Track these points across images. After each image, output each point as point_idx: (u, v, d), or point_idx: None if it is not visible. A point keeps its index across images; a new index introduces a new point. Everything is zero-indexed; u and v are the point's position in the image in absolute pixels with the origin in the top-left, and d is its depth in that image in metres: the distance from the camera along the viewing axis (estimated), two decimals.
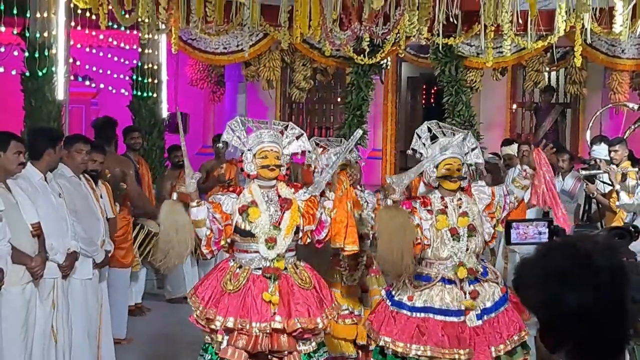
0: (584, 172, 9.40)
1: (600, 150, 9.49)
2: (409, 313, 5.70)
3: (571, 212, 10.03)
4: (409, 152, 6.01)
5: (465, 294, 5.67)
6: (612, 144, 9.32)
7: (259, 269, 5.58)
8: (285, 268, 5.62)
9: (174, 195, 5.63)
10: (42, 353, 6.16)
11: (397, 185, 5.56)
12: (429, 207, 5.79)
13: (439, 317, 5.64)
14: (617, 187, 8.74)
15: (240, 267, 5.61)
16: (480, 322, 5.65)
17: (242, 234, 5.59)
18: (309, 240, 5.73)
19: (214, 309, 5.49)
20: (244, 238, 5.60)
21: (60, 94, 8.99)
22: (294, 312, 5.51)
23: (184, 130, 5.85)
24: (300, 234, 5.69)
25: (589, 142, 10.59)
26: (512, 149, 11.46)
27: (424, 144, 5.89)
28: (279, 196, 5.67)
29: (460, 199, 5.83)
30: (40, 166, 6.37)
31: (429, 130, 5.93)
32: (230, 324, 5.44)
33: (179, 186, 5.70)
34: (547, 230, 3.81)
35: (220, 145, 9.37)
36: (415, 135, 5.94)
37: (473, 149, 5.96)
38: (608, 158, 9.27)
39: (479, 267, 5.77)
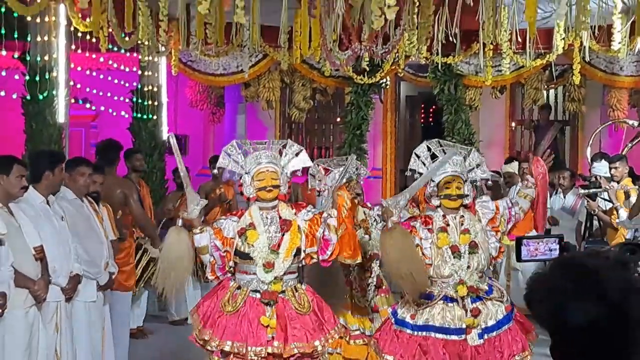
0: (583, 191, 9.41)
1: (601, 168, 9.52)
2: (411, 332, 5.70)
3: (572, 229, 10.06)
4: (408, 173, 5.97)
5: (466, 311, 5.64)
6: (612, 161, 9.35)
7: (257, 291, 5.55)
8: (283, 291, 5.57)
9: (179, 222, 5.59)
10: None
11: (394, 207, 5.55)
12: (430, 226, 5.78)
13: (439, 336, 5.63)
14: (617, 204, 8.75)
15: (239, 287, 5.60)
16: (481, 340, 5.62)
17: (241, 256, 5.57)
18: (314, 260, 5.67)
19: (210, 330, 5.50)
20: (243, 260, 5.57)
21: (61, 117, 9.00)
22: (291, 336, 5.47)
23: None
24: (303, 255, 5.62)
25: (589, 159, 10.61)
26: (513, 167, 11.47)
27: (424, 163, 5.87)
28: (280, 217, 5.63)
29: (463, 216, 5.80)
30: (40, 189, 6.37)
31: (429, 149, 5.92)
32: (226, 348, 5.44)
33: (181, 211, 5.68)
34: (557, 246, 3.82)
35: (215, 172, 9.31)
36: (414, 155, 5.93)
37: (478, 165, 5.93)
38: (608, 175, 9.29)
39: (482, 285, 5.73)
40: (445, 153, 5.85)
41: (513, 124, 16.38)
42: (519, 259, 3.93)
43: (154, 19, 9.69)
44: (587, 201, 9.29)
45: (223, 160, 5.67)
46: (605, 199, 9.22)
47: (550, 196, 10.93)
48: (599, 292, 2.23)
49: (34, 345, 5.99)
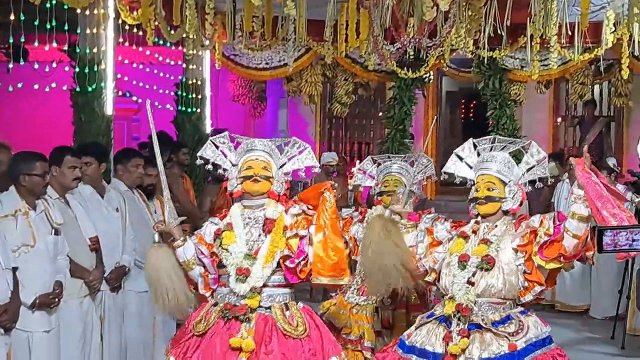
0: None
1: None
2: (401, 353, 4.90)
3: None
4: (444, 176, 5.16)
5: (450, 333, 4.76)
6: None
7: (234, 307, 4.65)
8: (269, 307, 4.64)
9: (156, 237, 4.74)
10: None
11: (403, 195, 5.07)
12: (455, 231, 4.99)
13: None
14: None
15: (215, 304, 4.71)
16: None
17: (218, 264, 4.71)
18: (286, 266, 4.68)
19: (174, 357, 4.67)
20: (220, 269, 4.70)
21: (108, 110, 9.06)
22: None
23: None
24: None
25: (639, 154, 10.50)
26: (551, 169, 11.36)
27: (468, 164, 5.07)
28: (265, 217, 4.73)
29: (497, 226, 4.87)
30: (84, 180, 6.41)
31: (475, 146, 5.09)
32: None
33: (158, 224, 4.84)
34: None
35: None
36: (455, 157, 5.13)
37: (539, 162, 4.99)
38: None
39: (491, 314, 4.76)
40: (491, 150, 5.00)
41: (558, 120, 16.23)
42: (600, 250, 3.62)
43: (200, 12, 9.73)
44: (638, 199, 9.17)
45: (209, 152, 4.83)
46: None
47: None
48: None
49: (88, 334, 6.05)
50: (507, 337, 4.67)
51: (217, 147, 4.84)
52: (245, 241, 4.65)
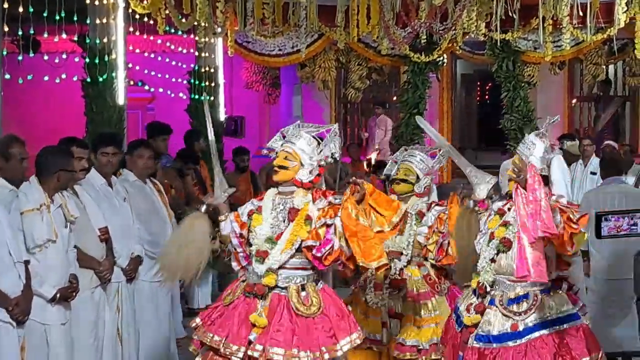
0: None
1: None
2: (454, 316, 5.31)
3: None
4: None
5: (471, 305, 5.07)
6: None
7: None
8: (285, 288, 4.87)
9: (203, 208, 5.02)
10: (111, 355, 6.22)
11: (486, 184, 5.27)
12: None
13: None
14: None
15: (244, 280, 5.04)
16: (476, 344, 4.94)
17: (248, 243, 5.04)
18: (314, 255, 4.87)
19: (200, 319, 5.03)
20: (249, 248, 5.03)
21: (120, 99, 9.08)
22: (270, 340, 4.76)
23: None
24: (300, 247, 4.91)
25: None
26: (573, 147, 11.28)
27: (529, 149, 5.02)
28: (292, 206, 4.97)
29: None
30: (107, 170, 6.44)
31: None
32: (206, 340, 4.89)
33: (206, 196, 5.23)
34: None
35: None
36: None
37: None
38: None
39: (509, 290, 4.95)
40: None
41: (574, 101, 16.14)
42: (598, 235, 3.51)
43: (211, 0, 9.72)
44: None
45: (274, 143, 5.11)
46: None
47: None
48: None
49: (100, 324, 6.07)
50: (511, 317, 4.87)
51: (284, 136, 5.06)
52: (270, 225, 4.95)
